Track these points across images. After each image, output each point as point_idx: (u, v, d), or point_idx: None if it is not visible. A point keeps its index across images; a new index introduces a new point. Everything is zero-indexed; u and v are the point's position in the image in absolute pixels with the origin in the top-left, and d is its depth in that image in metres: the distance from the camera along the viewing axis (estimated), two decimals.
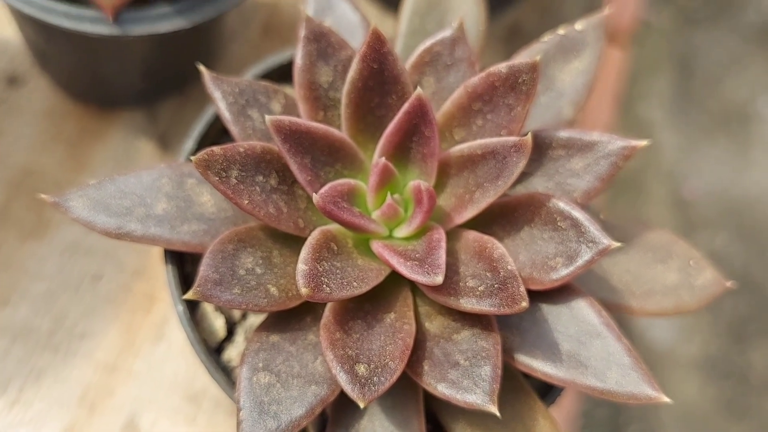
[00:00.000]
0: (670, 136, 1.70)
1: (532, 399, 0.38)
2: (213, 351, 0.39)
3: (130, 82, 0.56)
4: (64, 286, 0.53)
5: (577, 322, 0.35)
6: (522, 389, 0.38)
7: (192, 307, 0.39)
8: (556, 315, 0.35)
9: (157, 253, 0.55)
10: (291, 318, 0.35)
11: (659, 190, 1.61)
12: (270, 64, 0.44)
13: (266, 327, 0.35)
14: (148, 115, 0.59)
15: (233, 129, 0.37)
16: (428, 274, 0.32)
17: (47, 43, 0.52)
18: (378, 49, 0.34)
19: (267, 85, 0.39)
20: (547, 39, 0.42)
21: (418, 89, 0.34)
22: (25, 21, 0.50)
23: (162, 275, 0.54)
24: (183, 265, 0.40)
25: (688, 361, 1.44)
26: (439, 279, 0.31)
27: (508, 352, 0.35)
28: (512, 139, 0.33)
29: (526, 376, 0.42)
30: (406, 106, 0.34)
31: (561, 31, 0.42)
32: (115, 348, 0.52)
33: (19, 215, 0.54)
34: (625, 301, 0.40)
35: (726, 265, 1.52)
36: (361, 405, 0.30)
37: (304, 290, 0.30)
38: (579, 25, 0.42)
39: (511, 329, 0.36)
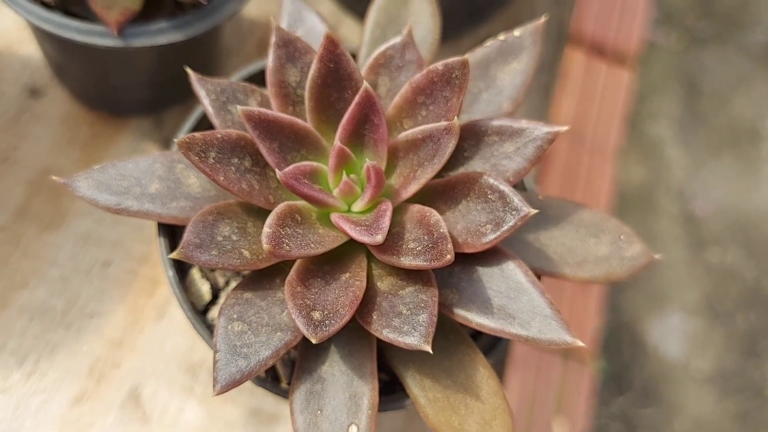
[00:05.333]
0: (679, 154, 1.74)
1: (474, 351, 0.43)
2: (200, 313, 0.45)
3: (137, 92, 0.63)
4: (76, 271, 0.60)
5: (507, 281, 0.41)
6: (465, 343, 0.43)
7: (182, 274, 0.46)
8: (489, 275, 0.41)
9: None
10: (263, 279, 0.42)
11: (670, 207, 1.65)
12: (252, 69, 0.51)
13: (241, 287, 0.41)
14: (155, 122, 0.66)
15: (215, 121, 0.43)
16: (371, 235, 0.38)
17: (63, 57, 0.59)
18: (332, 51, 0.41)
19: (245, 85, 0.45)
20: (489, 44, 0.48)
21: (365, 83, 0.40)
22: (44, 37, 0.58)
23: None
24: (174, 239, 0.46)
25: (702, 376, 1.47)
26: (379, 238, 0.37)
27: (448, 308, 0.41)
28: (444, 123, 0.40)
29: (476, 337, 0.48)
30: (356, 98, 0.41)
31: (501, 36, 0.48)
32: (121, 326, 0.59)
33: (38, 209, 0.61)
34: (560, 270, 0.46)
35: (738, 279, 1.56)
36: (314, 341, 0.36)
37: (266, 247, 0.36)
38: (517, 32, 0.48)
39: (452, 288, 0.41)
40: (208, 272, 0.46)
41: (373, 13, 0.50)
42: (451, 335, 0.43)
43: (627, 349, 1.51)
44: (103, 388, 0.56)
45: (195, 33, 0.53)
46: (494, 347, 0.46)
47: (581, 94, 1.43)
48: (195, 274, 0.46)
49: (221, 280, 0.47)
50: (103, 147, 0.65)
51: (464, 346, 0.43)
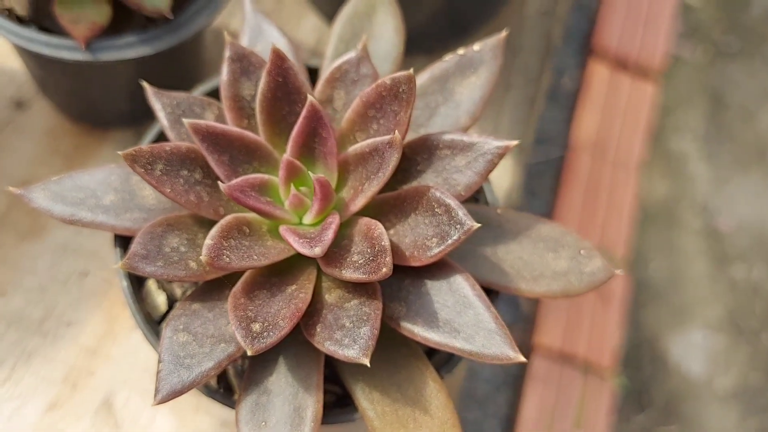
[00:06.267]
0: (704, 168, 1.72)
1: (424, 365, 0.43)
2: (155, 323, 0.46)
3: (117, 104, 0.64)
4: (54, 280, 0.61)
5: (454, 294, 0.40)
6: (416, 356, 0.43)
7: (139, 284, 0.46)
8: (437, 289, 0.41)
9: None
10: (212, 291, 0.42)
11: (693, 222, 1.63)
12: (215, 83, 0.51)
13: (191, 298, 0.42)
14: (136, 134, 0.67)
15: (170, 134, 0.44)
16: (311, 247, 0.38)
17: (43, 70, 0.60)
18: (280, 65, 0.41)
19: (203, 98, 0.46)
20: (448, 58, 0.48)
21: (310, 97, 0.40)
22: (23, 52, 0.59)
23: None
24: None
25: (725, 393, 1.44)
26: (317, 251, 0.38)
27: (395, 321, 0.41)
28: (387, 137, 0.40)
29: (431, 353, 0.47)
30: (303, 112, 0.41)
31: (461, 51, 0.48)
32: (96, 335, 0.59)
33: (17, 220, 0.63)
34: (515, 284, 0.45)
35: (763, 296, 1.54)
36: (250, 353, 0.36)
37: (204, 258, 0.37)
38: (476, 46, 0.48)
39: (400, 301, 0.41)
40: (165, 283, 0.47)
41: (337, 27, 0.51)
42: (402, 348, 0.43)
43: (648, 365, 1.49)
44: (77, 396, 0.57)
45: (164, 47, 0.54)
46: (448, 362, 0.46)
47: (604, 108, 1.42)
48: (151, 284, 0.47)
49: (179, 291, 0.47)
50: (86, 158, 0.66)
51: (415, 359, 0.43)
